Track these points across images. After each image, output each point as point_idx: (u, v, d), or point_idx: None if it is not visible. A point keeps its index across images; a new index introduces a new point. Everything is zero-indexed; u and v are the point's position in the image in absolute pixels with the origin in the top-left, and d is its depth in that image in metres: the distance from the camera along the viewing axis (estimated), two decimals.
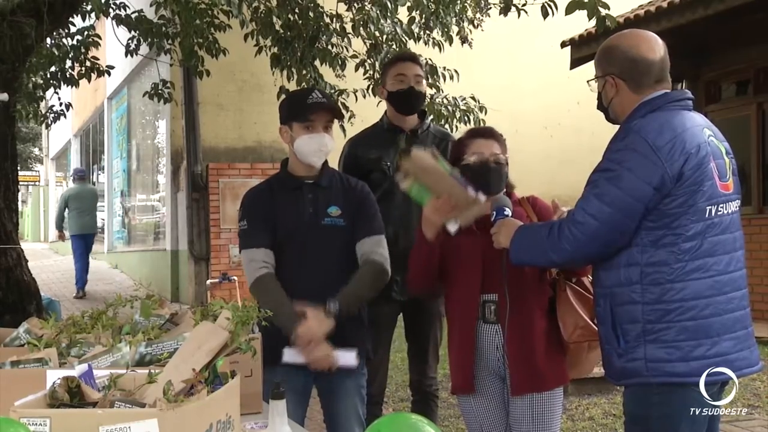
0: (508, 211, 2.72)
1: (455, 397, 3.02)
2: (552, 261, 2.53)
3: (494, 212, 2.73)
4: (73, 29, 7.78)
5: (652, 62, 2.45)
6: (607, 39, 2.58)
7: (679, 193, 2.30)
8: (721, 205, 2.36)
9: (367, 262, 3.03)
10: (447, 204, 2.72)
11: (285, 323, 2.87)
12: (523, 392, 2.79)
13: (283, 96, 6.80)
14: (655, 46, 2.47)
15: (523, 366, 2.78)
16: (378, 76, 6.83)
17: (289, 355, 2.92)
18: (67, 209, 11.93)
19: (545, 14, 5.68)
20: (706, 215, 2.33)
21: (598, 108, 2.60)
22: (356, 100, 7.24)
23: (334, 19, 7.10)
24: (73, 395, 1.68)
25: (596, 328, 2.72)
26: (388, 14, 6.82)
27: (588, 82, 2.63)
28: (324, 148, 3.04)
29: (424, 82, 3.77)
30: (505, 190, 2.94)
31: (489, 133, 2.99)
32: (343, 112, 3.21)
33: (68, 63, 7.92)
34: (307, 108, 3.01)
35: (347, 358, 2.95)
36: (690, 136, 2.33)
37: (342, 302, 2.91)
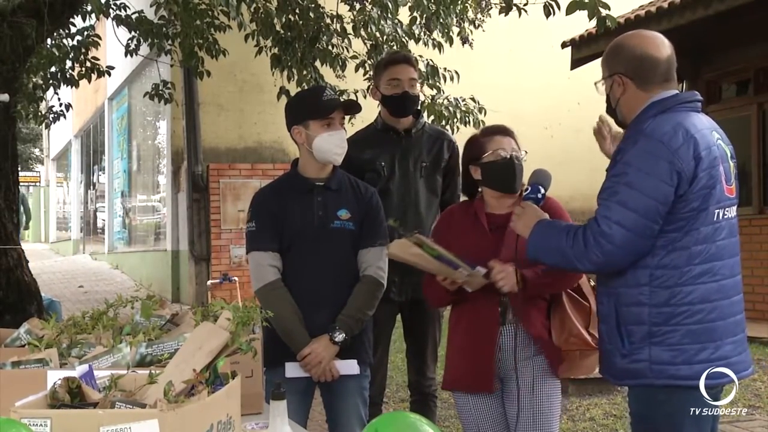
0: (542, 192, 2.66)
1: (455, 397, 3.02)
2: (576, 269, 2.52)
3: (528, 187, 2.68)
4: (73, 30, 7.78)
5: (659, 60, 2.43)
6: (614, 40, 2.56)
7: (692, 197, 2.29)
8: (727, 209, 2.36)
9: (365, 277, 3.05)
10: (447, 280, 2.78)
11: (292, 342, 2.95)
12: (561, 374, 2.82)
13: (284, 97, 6.82)
14: (661, 46, 2.46)
15: (528, 359, 2.81)
16: None
17: (292, 371, 2.97)
18: None
19: (548, 14, 5.66)
20: (714, 218, 2.33)
21: (608, 112, 2.58)
22: (356, 100, 7.23)
23: (335, 20, 7.10)
24: (73, 396, 1.68)
25: (589, 339, 2.72)
26: (389, 15, 6.82)
27: (595, 83, 2.60)
28: (344, 144, 3.05)
29: (418, 83, 3.74)
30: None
31: (506, 130, 2.96)
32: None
33: (68, 63, 7.92)
34: (325, 105, 3.01)
35: (349, 367, 2.98)
36: (701, 138, 2.32)
37: (345, 330, 2.95)
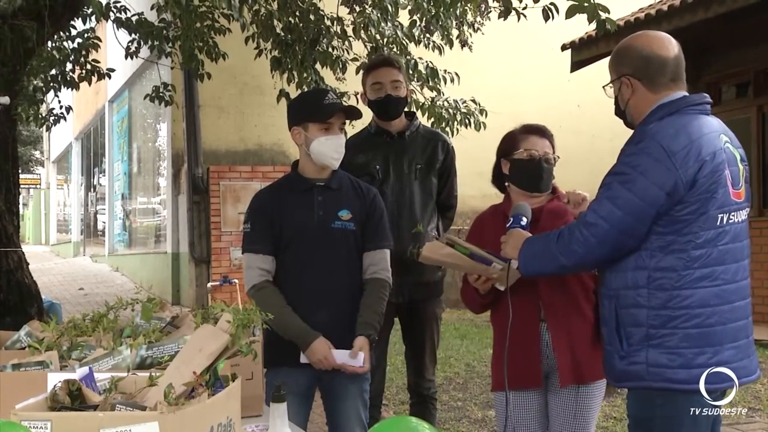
0: (524, 221, 2.70)
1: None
2: (562, 266, 2.48)
3: (511, 218, 2.72)
4: (73, 32, 7.80)
5: (666, 59, 2.41)
6: (620, 42, 2.55)
7: (692, 200, 2.28)
8: (733, 213, 2.34)
9: (376, 280, 3.06)
10: (480, 279, 2.79)
11: (291, 335, 2.94)
12: (569, 383, 2.79)
13: (284, 98, 6.83)
14: (668, 45, 2.44)
15: (568, 358, 2.79)
16: None
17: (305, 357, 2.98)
18: None
19: (546, 17, 5.67)
20: (717, 223, 2.31)
21: (616, 114, 2.56)
22: (357, 102, 7.23)
23: (335, 22, 7.11)
24: (74, 398, 1.68)
25: None
26: (389, 17, 6.83)
27: (603, 87, 2.58)
28: (341, 149, 3.06)
29: (404, 84, 3.72)
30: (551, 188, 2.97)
31: (543, 131, 3.00)
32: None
33: (69, 66, 7.94)
34: (325, 109, 3.01)
35: (343, 356, 2.97)
36: (706, 142, 2.31)
37: (373, 333, 2.99)
